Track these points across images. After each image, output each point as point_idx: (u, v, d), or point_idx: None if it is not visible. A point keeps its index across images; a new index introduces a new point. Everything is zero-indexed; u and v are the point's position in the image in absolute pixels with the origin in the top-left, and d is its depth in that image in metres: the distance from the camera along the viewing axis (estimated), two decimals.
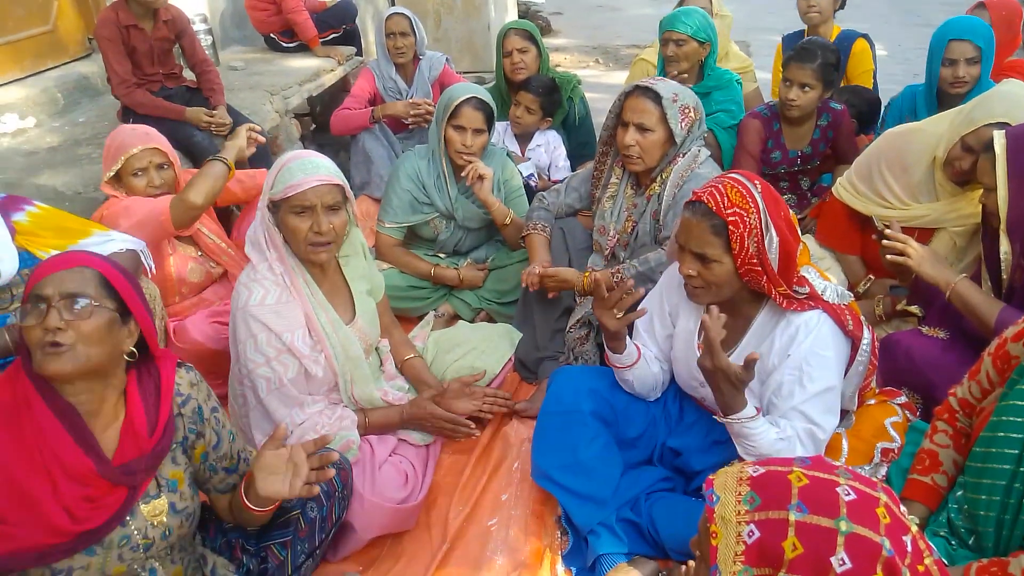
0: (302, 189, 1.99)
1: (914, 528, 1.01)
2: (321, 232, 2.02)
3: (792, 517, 0.97)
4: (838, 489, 0.99)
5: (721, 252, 1.77)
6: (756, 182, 1.79)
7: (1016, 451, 1.54)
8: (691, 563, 1.20)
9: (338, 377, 2.19)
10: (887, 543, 0.95)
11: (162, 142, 2.72)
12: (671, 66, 3.48)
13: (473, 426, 2.38)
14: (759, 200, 1.75)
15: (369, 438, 2.26)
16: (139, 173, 2.64)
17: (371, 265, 2.38)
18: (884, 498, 1.00)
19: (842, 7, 4.20)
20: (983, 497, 1.60)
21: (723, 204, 1.74)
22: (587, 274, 2.60)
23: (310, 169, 2.01)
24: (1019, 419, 1.55)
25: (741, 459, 1.80)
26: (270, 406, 2.09)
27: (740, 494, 1.02)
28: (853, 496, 0.98)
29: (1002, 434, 1.56)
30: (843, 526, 0.96)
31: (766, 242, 1.75)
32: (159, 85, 3.56)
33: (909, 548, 0.98)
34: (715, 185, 1.79)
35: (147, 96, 3.44)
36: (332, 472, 1.68)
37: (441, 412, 2.29)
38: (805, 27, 4.24)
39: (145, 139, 2.67)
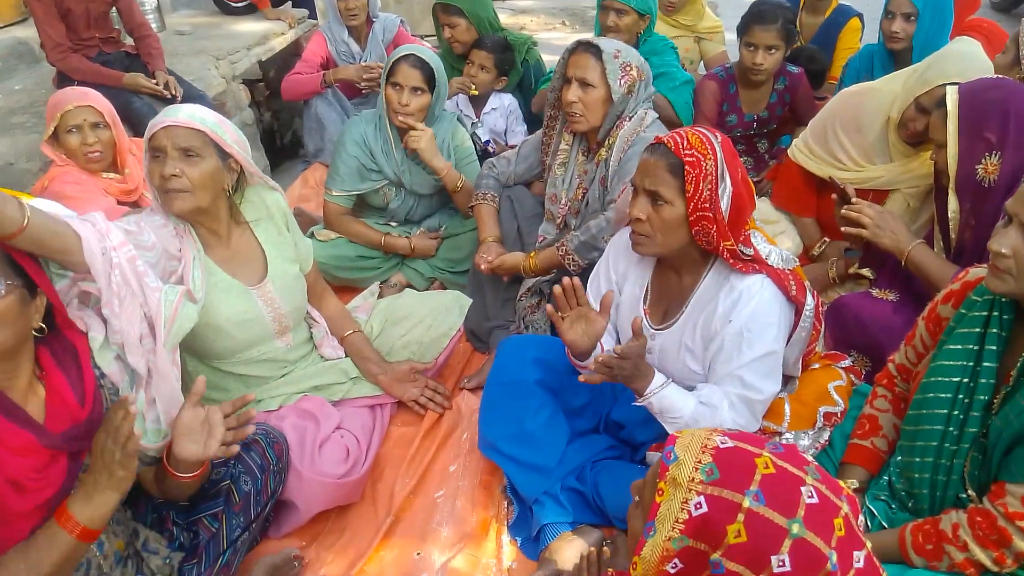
0: (154, 130, 1.88)
1: (869, 545, 0.97)
2: (165, 176, 1.87)
3: (746, 503, 0.93)
4: (802, 488, 0.94)
5: (675, 194, 1.75)
6: (717, 134, 1.79)
7: (945, 411, 1.54)
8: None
9: (220, 333, 2.05)
10: (834, 557, 0.92)
11: (99, 101, 2.72)
12: (609, 36, 3.39)
13: None
14: (718, 149, 1.74)
15: (315, 414, 2.19)
16: (73, 130, 2.68)
17: (296, 233, 2.26)
18: (846, 509, 0.96)
19: None
20: (917, 459, 1.60)
21: (682, 146, 1.73)
22: (532, 254, 2.56)
23: (170, 113, 1.90)
24: (947, 379, 1.54)
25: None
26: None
27: (700, 462, 0.97)
28: (815, 500, 0.94)
29: (932, 395, 1.56)
30: (795, 528, 0.92)
31: (720, 190, 1.73)
32: (96, 50, 3.42)
33: (860, 565, 0.94)
34: (677, 131, 1.78)
35: (83, 61, 3.31)
36: (250, 429, 1.65)
37: None
38: None
39: (82, 97, 2.70)
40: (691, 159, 1.72)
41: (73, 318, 1.63)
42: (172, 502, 1.81)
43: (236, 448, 1.63)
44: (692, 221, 1.76)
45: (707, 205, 1.73)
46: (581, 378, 1.79)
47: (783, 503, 0.93)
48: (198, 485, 1.73)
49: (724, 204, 1.74)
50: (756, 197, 1.98)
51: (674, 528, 0.96)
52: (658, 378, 1.80)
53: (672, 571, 0.98)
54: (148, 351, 1.78)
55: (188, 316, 1.84)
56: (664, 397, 1.79)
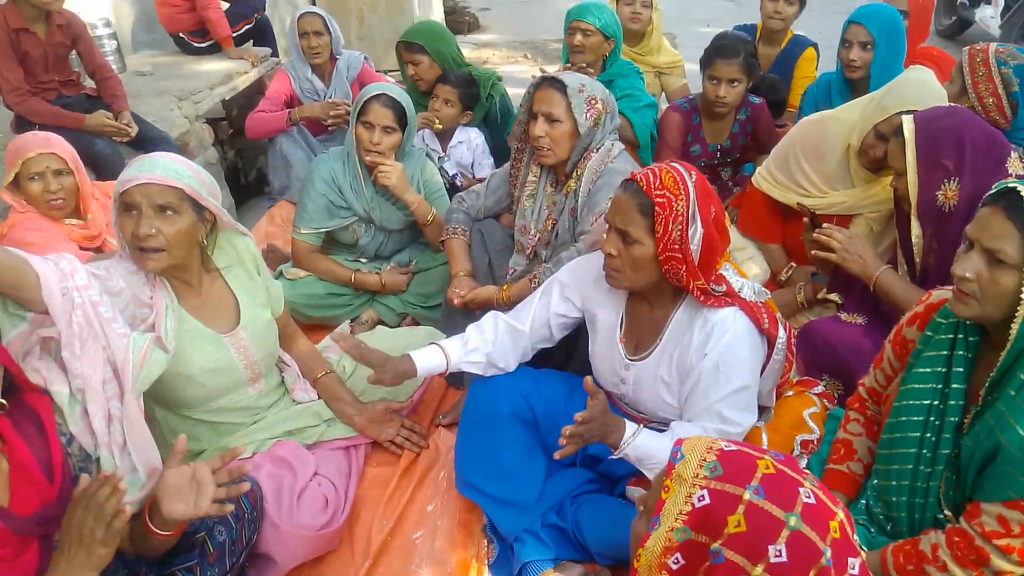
0: (128, 186, 1.81)
1: (863, 555, 1.01)
2: (139, 235, 1.82)
3: (746, 496, 0.97)
4: (800, 489, 0.99)
5: (644, 233, 1.75)
6: (692, 173, 1.79)
7: (918, 434, 1.56)
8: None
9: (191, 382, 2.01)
10: (828, 552, 0.95)
11: (62, 148, 2.68)
12: (575, 56, 3.45)
13: None
14: (691, 190, 1.74)
15: (291, 461, 2.14)
16: (36, 177, 2.64)
17: (266, 277, 2.23)
18: (842, 517, 1.00)
19: (800, 11, 4.09)
20: (893, 483, 1.61)
21: (654, 185, 1.74)
22: (505, 287, 2.56)
23: (145, 167, 1.83)
24: (918, 402, 1.56)
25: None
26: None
27: (704, 459, 1.02)
28: (812, 500, 0.98)
29: (904, 418, 1.58)
30: (792, 521, 0.96)
31: (690, 232, 1.74)
32: (55, 93, 3.38)
33: (855, 572, 0.97)
34: (652, 168, 1.79)
35: (42, 104, 3.26)
36: (246, 486, 1.58)
37: None
38: (758, 23, 4.18)
39: (45, 144, 2.65)
40: (661, 199, 1.72)
41: (32, 372, 1.57)
42: (145, 556, 1.75)
43: (230, 507, 1.55)
44: (661, 261, 1.77)
45: (676, 246, 1.74)
46: (556, 455, 1.77)
47: (782, 498, 0.97)
48: (175, 541, 1.66)
49: (694, 245, 1.75)
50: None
51: (677, 519, 1.00)
52: (630, 427, 1.79)
53: (674, 566, 1.01)
54: (111, 397, 1.73)
55: (157, 362, 1.80)
56: (639, 446, 1.77)
